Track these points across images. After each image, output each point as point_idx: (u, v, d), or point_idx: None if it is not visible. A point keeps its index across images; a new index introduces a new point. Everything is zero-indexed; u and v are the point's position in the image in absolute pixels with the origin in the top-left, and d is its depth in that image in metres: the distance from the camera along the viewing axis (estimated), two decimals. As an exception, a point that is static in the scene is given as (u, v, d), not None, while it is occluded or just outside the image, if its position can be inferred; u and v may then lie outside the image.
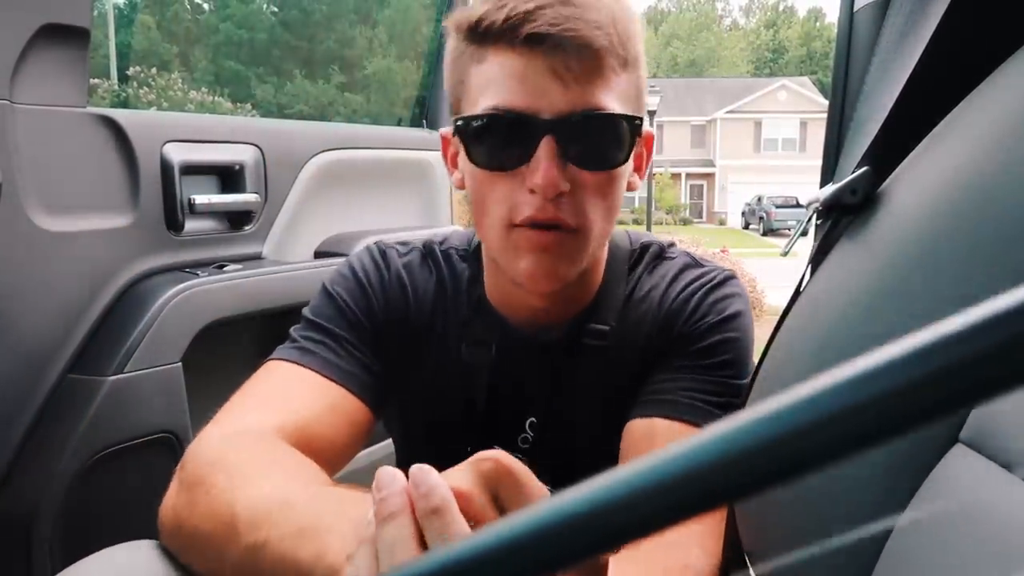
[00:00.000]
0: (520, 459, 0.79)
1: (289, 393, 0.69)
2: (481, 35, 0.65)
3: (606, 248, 0.78)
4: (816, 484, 0.51)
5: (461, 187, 0.73)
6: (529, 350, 0.78)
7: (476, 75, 0.66)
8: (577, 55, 0.62)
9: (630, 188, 0.74)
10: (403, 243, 0.84)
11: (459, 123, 0.67)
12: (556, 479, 0.81)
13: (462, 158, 0.70)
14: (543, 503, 0.18)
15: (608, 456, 0.72)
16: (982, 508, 0.41)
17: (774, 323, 0.67)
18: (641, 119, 0.68)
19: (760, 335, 0.71)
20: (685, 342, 0.73)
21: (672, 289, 0.76)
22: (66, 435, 0.98)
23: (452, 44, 0.70)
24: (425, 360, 0.80)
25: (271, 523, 0.50)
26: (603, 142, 0.65)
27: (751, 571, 0.59)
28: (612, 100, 0.65)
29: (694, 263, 0.79)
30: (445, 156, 0.77)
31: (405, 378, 0.80)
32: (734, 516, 0.66)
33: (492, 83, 0.64)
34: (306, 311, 0.78)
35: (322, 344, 0.74)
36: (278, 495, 0.53)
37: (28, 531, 0.95)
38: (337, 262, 1.42)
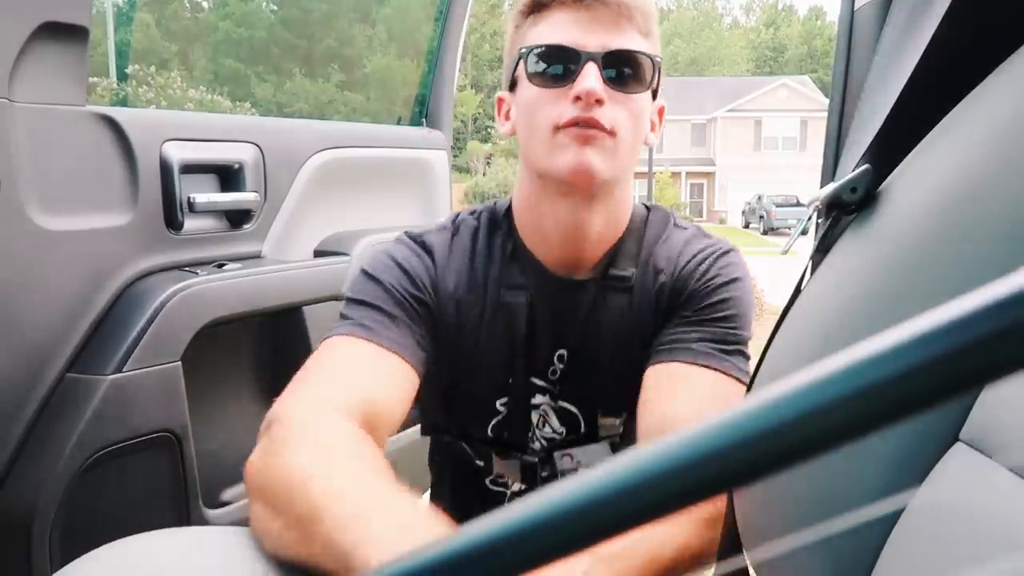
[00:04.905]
0: (549, 388, 0.94)
1: (352, 366, 0.79)
2: (539, 5, 0.85)
3: (630, 199, 0.93)
4: (816, 482, 0.51)
5: (511, 134, 0.90)
6: (563, 289, 0.91)
7: (533, 33, 0.85)
8: (615, 11, 0.82)
9: (645, 143, 0.89)
10: (433, 226, 0.95)
11: (522, 50, 0.85)
12: (579, 407, 0.95)
13: (520, 91, 0.87)
14: (547, 489, 0.18)
15: (622, 391, 0.88)
16: (983, 507, 0.41)
17: (774, 323, 0.67)
18: (660, 60, 0.86)
19: (760, 335, 0.71)
20: (696, 298, 0.87)
21: (685, 252, 0.90)
22: (65, 434, 0.98)
23: (511, 28, 0.89)
24: (470, 317, 0.90)
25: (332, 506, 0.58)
26: (632, 71, 0.83)
27: (751, 573, 0.59)
28: (638, 46, 0.83)
29: (704, 234, 0.95)
30: (499, 113, 0.94)
31: (456, 341, 0.90)
32: (734, 516, 0.66)
33: (549, 30, 0.84)
34: (350, 293, 0.86)
35: (373, 319, 0.83)
36: (337, 484, 0.60)
37: (27, 530, 0.95)
38: (337, 261, 1.43)
